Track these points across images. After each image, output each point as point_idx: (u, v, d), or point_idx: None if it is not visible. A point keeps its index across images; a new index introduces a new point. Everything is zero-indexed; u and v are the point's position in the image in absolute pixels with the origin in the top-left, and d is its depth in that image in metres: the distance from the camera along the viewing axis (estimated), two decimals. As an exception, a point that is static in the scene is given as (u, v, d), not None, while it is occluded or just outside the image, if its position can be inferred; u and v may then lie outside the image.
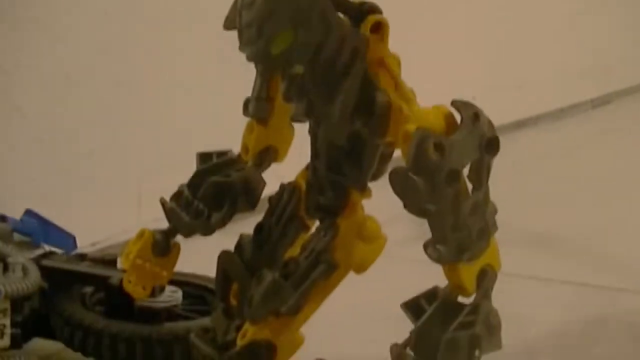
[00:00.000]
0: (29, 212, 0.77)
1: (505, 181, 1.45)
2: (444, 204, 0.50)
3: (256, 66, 0.57)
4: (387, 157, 0.57)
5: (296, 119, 0.59)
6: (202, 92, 1.12)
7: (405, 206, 0.51)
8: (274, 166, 0.67)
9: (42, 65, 0.98)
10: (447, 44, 1.67)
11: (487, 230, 0.53)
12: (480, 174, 0.52)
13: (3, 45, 0.94)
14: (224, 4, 0.57)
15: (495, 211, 0.55)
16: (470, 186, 0.53)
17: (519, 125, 1.90)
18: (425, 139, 0.49)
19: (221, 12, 0.58)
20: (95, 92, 1.03)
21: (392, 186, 0.51)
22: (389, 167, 0.55)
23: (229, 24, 0.54)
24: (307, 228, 0.63)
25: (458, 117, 0.52)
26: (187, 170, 0.67)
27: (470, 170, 0.52)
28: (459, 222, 0.51)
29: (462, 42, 1.72)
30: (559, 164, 1.66)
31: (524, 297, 0.99)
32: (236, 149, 0.68)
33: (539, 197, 1.43)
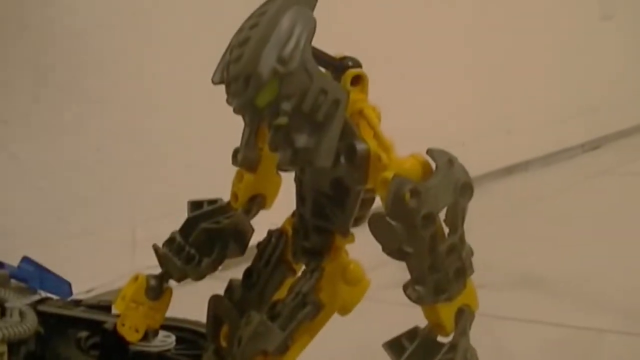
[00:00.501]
0: (26, 259, 0.77)
1: (495, 224, 1.48)
2: (421, 246, 0.52)
3: (243, 117, 0.59)
4: (368, 202, 0.60)
5: (282, 167, 0.61)
6: (194, 141, 1.14)
7: (383, 249, 0.53)
8: (262, 213, 0.69)
9: (39, 115, 1.00)
10: (436, 91, 1.69)
11: (463, 271, 0.55)
12: (456, 218, 0.54)
13: (1, 95, 0.96)
14: (215, 54, 0.60)
15: (471, 253, 0.57)
16: (446, 229, 0.55)
17: (510, 170, 1.92)
18: (401, 185, 0.52)
19: (212, 62, 0.59)
20: (89, 140, 1.04)
21: (371, 230, 0.53)
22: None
23: (217, 79, 0.56)
24: (294, 272, 0.65)
25: (433, 164, 0.54)
26: (180, 217, 0.69)
27: (446, 214, 0.54)
28: (436, 263, 0.53)
29: (451, 89, 1.74)
30: (549, 206, 1.69)
31: (510, 338, 1.01)
32: (226, 196, 0.69)
33: (528, 239, 1.45)
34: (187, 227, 0.69)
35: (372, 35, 1.44)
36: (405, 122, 1.56)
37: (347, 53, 0.61)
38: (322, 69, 0.58)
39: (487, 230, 1.45)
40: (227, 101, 0.55)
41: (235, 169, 0.68)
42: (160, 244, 0.70)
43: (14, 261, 0.77)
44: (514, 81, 1.94)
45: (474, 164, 1.75)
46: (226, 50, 0.56)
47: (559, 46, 2.10)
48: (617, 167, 2.03)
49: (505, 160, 1.90)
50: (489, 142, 1.79)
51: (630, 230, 1.47)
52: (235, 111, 0.55)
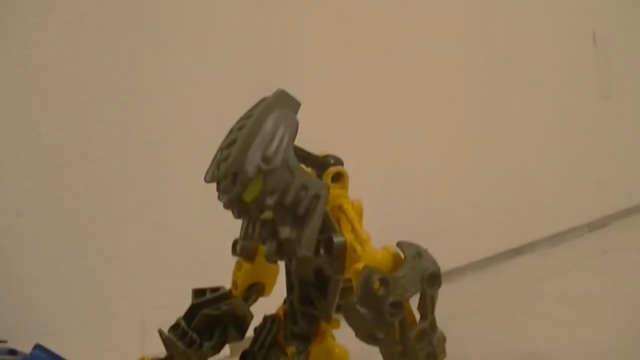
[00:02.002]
0: (38, 347, 0.78)
1: (503, 304, 1.50)
2: (390, 332, 0.56)
3: (233, 212, 0.61)
4: (349, 291, 0.64)
5: (270, 258, 0.65)
6: (201, 233, 1.17)
7: (356, 335, 0.57)
8: (261, 300, 0.73)
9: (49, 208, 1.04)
10: (438, 171, 1.70)
11: (434, 355, 0.59)
12: (426, 305, 0.58)
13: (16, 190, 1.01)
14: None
15: (444, 339, 0.60)
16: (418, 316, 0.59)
17: (518, 251, 1.92)
18: (370, 275, 0.56)
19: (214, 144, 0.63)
20: (96, 232, 1.07)
21: (344, 317, 0.58)
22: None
23: (209, 177, 0.61)
24: (286, 353, 0.71)
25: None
26: (187, 304, 0.73)
27: (419, 302, 0.59)
28: (406, 348, 0.57)
29: (454, 170, 1.75)
30: (555, 286, 1.68)
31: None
32: (228, 284, 0.74)
33: (534, 318, 1.44)
34: (191, 313, 0.73)
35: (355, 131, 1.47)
36: (413, 208, 1.60)
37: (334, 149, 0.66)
38: (306, 167, 0.64)
39: (495, 310, 1.47)
40: (218, 197, 0.59)
41: (235, 258, 0.73)
42: (166, 330, 0.74)
43: (26, 349, 0.79)
44: (517, 161, 1.96)
45: (480, 246, 1.77)
46: (217, 151, 0.61)
47: (561, 125, 2.11)
48: (623, 245, 2.03)
49: (513, 241, 1.90)
50: (496, 224, 1.80)
51: (638, 308, 1.47)
52: (225, 206, 0.59)
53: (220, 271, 0.78)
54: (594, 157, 2.24)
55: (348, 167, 0.66)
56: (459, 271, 1.72)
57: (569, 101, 2.16)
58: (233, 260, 0.73)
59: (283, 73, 1.31)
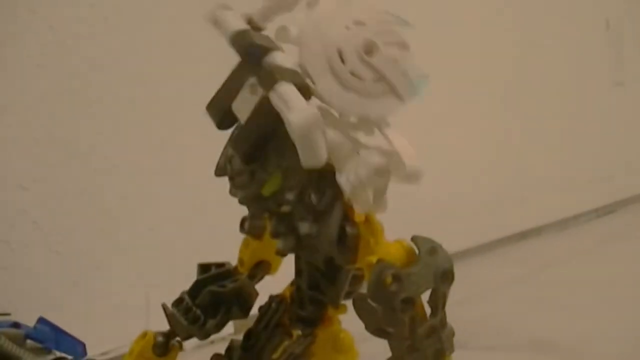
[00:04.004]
0: (42, 320, 0.79)
1: (508, 289, 1.50)
2: (400, 327, 0.56)
3: (248, 207, 0.61)
4: (359, 279, 0.63)
5: (282, 253, 0.64)
6: (207, 208, 1.18)
7: (366, 328, 0.57)
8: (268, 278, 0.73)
9: (58, 180, 1.05)
10: (451, 157, 1.71)
11: (442, 352, 0.58)
12: (437, 301, 0.58)
13: (23, 163, 1.02)
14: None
15: (452, 334, 0.60)
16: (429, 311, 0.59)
17: (524, 235, 1.92)
18: (384, 269, 0.55)
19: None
20: (104, 208, 1.09)
21: (355, 310, 0.57)
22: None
23: (220, 172, 0.60)
24: (291, 335, 0.70)
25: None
26: (191, 281, 0.73)
27: (429, 297, 0.58)
28: (415, 344, 0.57)
29: (466, 155, 1.77)
30: (562, 271, 1.69)
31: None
32: (234, 261, 0.74)
33: (540, 303, 1.45)
34: (195, 289, 0.73)
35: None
36: (421, 190, 1.59)
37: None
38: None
39: (500, 295, 1.47)
40: (231, 192, 0.59)
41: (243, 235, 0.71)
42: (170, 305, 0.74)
43: (30, 322, 0.79)
44: (528, 146, 1.96)
45: (487, 230, 1.78)
46: (227, 144, 0.60)
47: (574, 110, 2.11)
48: (631, 231, 2.03)
49: (519, 225, 1.90)
50: (503, 208, 1.80)
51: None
52: (240, 202, 0.59)
53: (226, 248, 0.77)
54: (603, 144, 2.24)
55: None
56: (464, 254, 1.72)
57: (581, 87, 2.16)
58: (239, 237, 0.72)
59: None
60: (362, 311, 0.56)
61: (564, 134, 2.08)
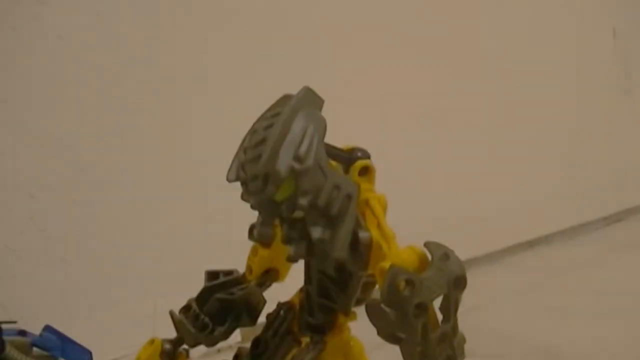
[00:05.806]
0: (48, 328, 0.79)
1: (517, 297, 1.49)
2: (413, 333, 0.55)
3: (260, 212, 0.61)
4: (370, 285, 0.63)
5: (293, 260, 0.62)
6: (214, 217, 1.18)
7: (378, 333, 0.56)
8: (274, 285, 0.73)
9: (65, 189, 1.05)
10: (457, 166, 1.71)
11: (454, 358, 0.58)
12: (449, 308, 0.57)
13: (30, 172, 1.02)
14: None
15: (464, 340, 0.59)
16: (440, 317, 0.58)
17: (532, 244, 1.92)
18: (397, 275, 0.55)
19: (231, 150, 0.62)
20: (111, 216, 1.08)
21: (368, 315, 0.56)
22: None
23: (232, 177, 0.59)
24: (300, 343, 0.69)
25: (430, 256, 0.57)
26: (198, 288, 0.73)
27: (441, 303, 0.58)
28: (427, 350, 0.56)
29: (473, 164, 1.76)
30: (571, 280, 1.68)
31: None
32: (242, 268, 0.73)
33: (549, 312, 1.45)
34: (203, 296, 0.72)
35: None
36: (430, 199, 1.60)
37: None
38: (332, 161, 0.62)
39: (508, 303, 1.46)
40: (243, 198, 0.58)
41: (251, 243, 0.72)
42: (177, 311, 0.73)
43: (36, 330, 0.79)
44: (535, 154, 1.95)
45: (496, 238, 1.78)
46: (239, 150, 0.59)
47: (582, 119, 2.11)
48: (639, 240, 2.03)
49: (528, 234, 1.90)
50: (511, 216, 1.80)
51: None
52: (253, 207, 0.58)
53: (234, 255, 0.77)
54: (613, 151, 2.23)
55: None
56: (473, 262, 1.71)
57: (589, 95, 2.16)
58: (247, 245, 0.72)
59: (302, 69, 1.30)
60: (374, 316, 0.56)
61: (572, 142, 2.09)
